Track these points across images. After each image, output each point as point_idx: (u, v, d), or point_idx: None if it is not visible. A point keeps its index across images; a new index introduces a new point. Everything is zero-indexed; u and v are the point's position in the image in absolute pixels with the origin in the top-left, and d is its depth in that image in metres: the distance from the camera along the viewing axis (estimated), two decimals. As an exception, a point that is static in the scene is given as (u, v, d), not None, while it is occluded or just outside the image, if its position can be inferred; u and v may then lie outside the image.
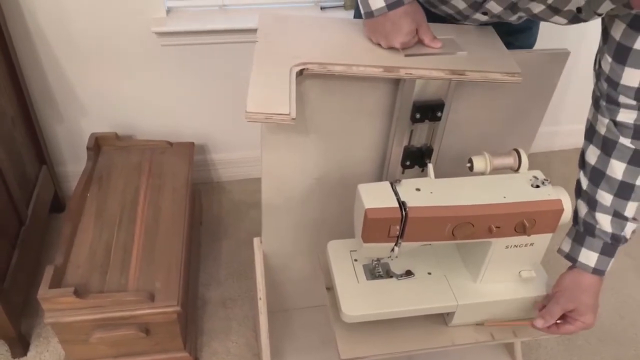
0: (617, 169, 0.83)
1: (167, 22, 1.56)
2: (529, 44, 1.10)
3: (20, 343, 1.39)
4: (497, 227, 0.84)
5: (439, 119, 0.95)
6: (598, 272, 0.89)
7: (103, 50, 1.58)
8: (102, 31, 1.54)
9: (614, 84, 0.79)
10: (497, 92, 0.99)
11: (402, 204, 0.81)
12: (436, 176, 0.88)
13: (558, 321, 0.90)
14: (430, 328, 0.98)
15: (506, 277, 0.94)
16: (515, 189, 0.86)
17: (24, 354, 1.41)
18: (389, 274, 0.96)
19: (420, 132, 0.99)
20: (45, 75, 1.60)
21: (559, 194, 0.86)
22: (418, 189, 0.85)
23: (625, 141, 0.81)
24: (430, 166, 0.89)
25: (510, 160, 0.90)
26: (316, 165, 1.05)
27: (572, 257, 0.90)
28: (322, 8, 1.69)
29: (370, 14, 0.85)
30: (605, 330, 1.55)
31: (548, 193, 0.86)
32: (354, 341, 0.94)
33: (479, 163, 0.89)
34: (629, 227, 0.87)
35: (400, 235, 0.84)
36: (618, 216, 0.86)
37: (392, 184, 0.85)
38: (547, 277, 0.97)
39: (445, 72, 0.86)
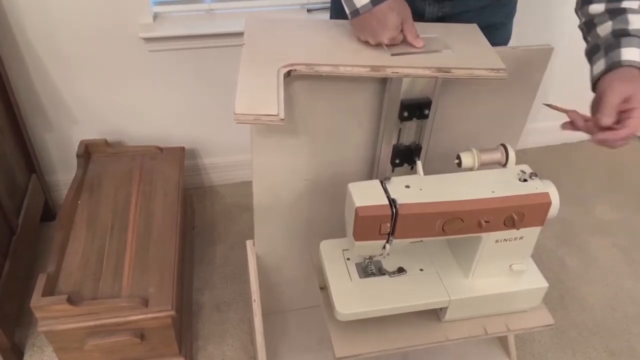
0: None
1: (154, 28, 1.57)
2: (504, 40, 1.12)
3: (14, 353, 1.38)
4: (486, 221, 0.84)
5: (426, 116, 0.96)
6: None
7: (90, 58, 1.58)
8: (89, 38, 1.54)
9: None
10: (483, 89, 1.00)
11: (392, 201, 0.82)
12: (425, 173, 0.88)
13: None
14: (424, 324, 0.98)
15: (497, 271, 0.95)
16: (504, 184, 0.87)
17: (18, 364, 1.40)
18: (381, 272, 0.97)
19: (408, 130, 0.99)
20: (33, 84, 1.60)
21: (546, 187, 0.87)
22: (408, 186, 0.85)
23: None
24: (419, 163, 0.90)
25: (497, 156, 0.91)
26: (306, 166, 1.05)
27: (614, 63, 0.82)
28: (308, 10, 1.69)
29: (355, 12, 0.86)
30: (597, 322, 1.57)
31: (536, 187, 0.87)
32: (348, 339, 0.95)
33: (467, 159, 0.90)
34: None
35: (392, 233, 0.84)
36: None
37: (382, 182, 0.85)
38: (538, 270, 0.98)
39: (432, 70, 0.87)
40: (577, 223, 1.91)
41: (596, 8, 0.88)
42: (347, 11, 0.87)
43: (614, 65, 0.83)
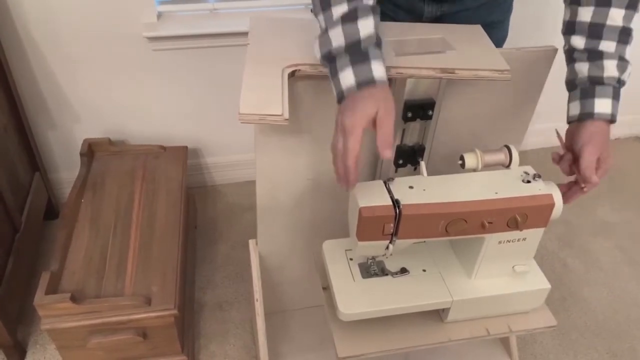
0: (617, 16, 0.86)
1: (158, 27, 1.57)
2: (501, 38, 1.13)
3: (17, 351, 1.38)
4: (489, 222, 0.84)
5: (430, 117, 0.96)
6: (614, 117, 0.88)
7: (94, 56, 1.59)
8: (93, 37, 1.55)
9: None
10: (487, 90, 1.00)
11: (395, 202, 0.82)
12: (429, 174, 0.89)
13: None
14: (426, 325, 0.98)
15: (500, 272, 0.95)
16: (507, 185, 0.87)
17: (21, 361, 1.41)
18: (384, 272, 0.97)
19: (412, 130, 0.99)
20: (37, 82, 1.60)
21: (549, 188, 0.87)
22: (411, 187, 0.85)
23: None
24: (422, 164, 0.90)
25: (501, 157, 0.91)
26: (310, 166, 1.05)
27: (587, 113, 0.88)
28: (312, 10, 1.69)
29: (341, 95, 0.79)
30: (599, 324, 1.57)
31: (539, 188, 0.87)
32: (351, 339, 0.95)
33: (470, 160, 0.90)
34: (628, 70, 0.89)
35: (395, 233, 0.84)
36: (622, 60, 0.88)
37: (385, 183, 0.86)
38: (541, 272, 0.98)
39: (436, 71, 0.87)
40: (578, 224, 1.91)
41: (577, 42, 0.90)
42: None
43: (587, 116, 0.88)
